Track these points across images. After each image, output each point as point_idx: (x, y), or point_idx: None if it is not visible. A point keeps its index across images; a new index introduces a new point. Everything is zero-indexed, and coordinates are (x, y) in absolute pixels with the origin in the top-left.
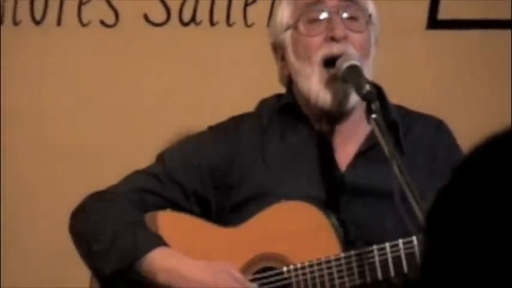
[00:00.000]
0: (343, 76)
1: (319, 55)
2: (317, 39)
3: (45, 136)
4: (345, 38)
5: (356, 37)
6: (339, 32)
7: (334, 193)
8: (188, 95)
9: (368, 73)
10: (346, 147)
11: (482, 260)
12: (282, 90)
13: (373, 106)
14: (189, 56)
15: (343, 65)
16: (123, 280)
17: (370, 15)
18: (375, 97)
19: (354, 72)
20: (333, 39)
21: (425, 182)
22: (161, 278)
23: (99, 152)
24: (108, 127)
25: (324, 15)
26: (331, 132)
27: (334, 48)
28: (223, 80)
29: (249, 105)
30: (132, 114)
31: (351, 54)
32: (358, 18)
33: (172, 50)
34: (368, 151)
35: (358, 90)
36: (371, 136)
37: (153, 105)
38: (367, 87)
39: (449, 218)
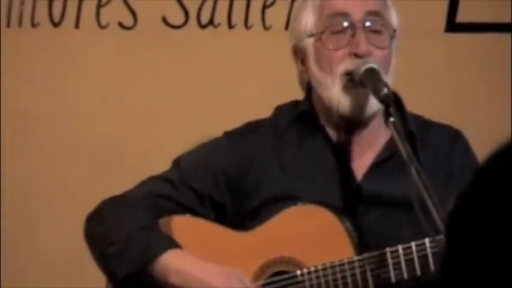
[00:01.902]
0: (360, 79)
1: (341, 68)
2: (340, 53)
3: (63, 138)
4: (368, 54)
5: (379, 53)
6: (363, 49)
7: (350, 202)
8: (206, 98)
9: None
10: (363, 157)
11: (503, 264)
12: (299, 93)
13: (391, 109)
14: (207, 59)
15: (361, 67)
16: (137, 283)
17: (394, 31)
18: (393, 100)
19: (372, 75)
20: (356, 55)
21: (442, 193)
22: (173, 279)
23: (117, 154)
24: (126, 129)
25: (348, 29)
26: (349, 141)
27: (356, 64)
28: (240, 83)
29: (266, 108)
30: (150, 117)
31: (368, 59)
32: (382, 32)
33: (190, 53)
34: (385, 161)
35: (376, 93)
36: (389, 145)
37: (170, 108)
38: (385, 90)
39: (470, 222)
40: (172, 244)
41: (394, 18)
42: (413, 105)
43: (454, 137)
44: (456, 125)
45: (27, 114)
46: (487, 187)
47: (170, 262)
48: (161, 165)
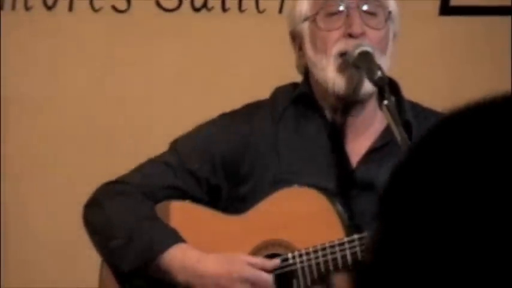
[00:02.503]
0: (354, 62)
1: (335, 49)
2: (334, 34)
3: (57, 121)
4: (362, 34)
5: (373, 34)
6: (357, 28)
7: (343, 186)
8: (199, 81)
9: (385, 68)
10: (358, 142)
11: (437, 241)
12: (292, 76)
13: (385, 92)
14: (200, 42)
15: (355, 51)
16: (140, 276)
17: (389, 12)
18: (387, 83)
19: (366, 58)
20: (350, 35)
21: None
22: (179, 275)
23: (112, 137)
24: (119, 113)
25: (343, 10)
26: (345, 125)
27: (351, 45)
28: (234, 66)
29: (260, 91)
30: (145, 100)
31: (363, 42)
32: (378, 14)
33: (184, 36)
34: (381, 147)
35: (370, 76)
36: (385, 133)
37: (164, 91)
38: (379, 73)
39: (403, 198)
40: (177, 239)
41: (390, 1)
42: (407, 90)
43: None
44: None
45: (21, 98)
46: (421, 161)
47: (175, 258)
48: (156, 148)
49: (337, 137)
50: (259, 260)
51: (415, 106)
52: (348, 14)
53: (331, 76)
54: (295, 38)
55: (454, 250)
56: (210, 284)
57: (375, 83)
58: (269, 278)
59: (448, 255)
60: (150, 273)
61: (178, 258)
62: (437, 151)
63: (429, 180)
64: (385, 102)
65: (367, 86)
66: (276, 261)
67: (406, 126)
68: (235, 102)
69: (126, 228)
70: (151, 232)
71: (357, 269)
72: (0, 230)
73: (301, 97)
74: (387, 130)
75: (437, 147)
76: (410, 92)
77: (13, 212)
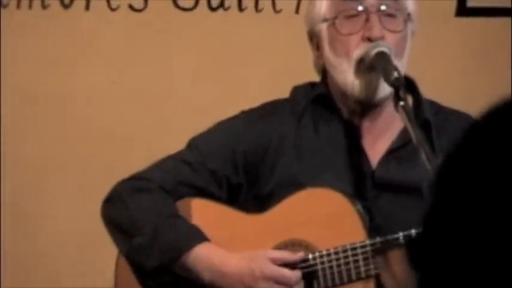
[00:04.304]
0: (371, 62)
1: (356, 53)
2: (354, 38)
3: (73, 120)
4: (381, 38)
5: (392, 36)
6: (376, 33)
7: (363, 188)
8: (215, 81)
9: (402, 70)
10: (377, 144)
11: (488, 218)
12: (309, 76)
13: (401, 93)
14: (217, 42)
15: (371, 51)
16: (163, 274)
17: (408, 14)
18: (403, 84)
19: (382, 58)
20: (369, 39)
21: None
22: (205, 275)
23: (126, 136)
24: (135, 112)
25: (361, 10)
26: (364, 127)
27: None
28: (250, 66)
29: (276, 91)
30: (160, 99)
31: (379, 42)
32: (397, 16)
33: (201, 35)
34: (400, 148)
35: (386, 77)
36: (404, 133)
37: (180, 91)
38: (395, 73)
39: (458, 176)
40: (202, 237)
41: (409, 1)
42: (424, 90)
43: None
44: (467, 109)
45: (38, 97)
46: (479, 143)
47: (200, 257)
48: (173, 147)
49: (355, 138)
50: (279, 254)
51: (433, 104)
52: (367, 17)
53: (350, 80)
54: (313, 37)
55: (502, 226)
56: (234, 283)
57: (391, 83)
58: (292, 274)
59: (495, 229)
60: (174, 271)
61: (203, 256)
62: (495, 134)
63: (484, 159)
64: (401, 103)
65: (385, 89)
66: (299, 254)
67: (425, 125)
68: (251, 101)
69: (150, 225)
70: (176, 230)
71: (408, 242)
72: (1, 227)
73: (319, 98)
74: (406, 131)
75: (495, 129)
76: (426, 92)
77: (16, 213)
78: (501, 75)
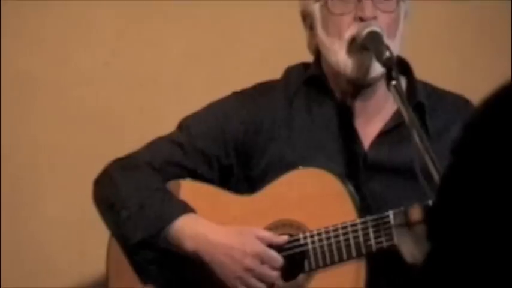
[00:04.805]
0: (363, 42)
1: (348, 34)
2: (346, 18)
3: (65, 101)
4: (374, 18)
5: (385, 17)
6: (368, 12)
7: (355, 169)
8: (208, 62)
9: (395, 50)
10: (370, 125)
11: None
12: (302, 56)
13: (393, 73)
14: (209, 23)
15: (363, 31)
16: (150, 248)
17: None
18: (395, 63)
19: (374, 38)
20: (361, 19)
21: None
22: (189, 244)
23: (119, 118)
24: (128, 93)
25: None
26: (356, 108)
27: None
28: (243, 47)
29: (268, 73)
30: (152, 80)
31: (371, 22)
32: None
33: (193, 17)
34: (392, 130)
35: (378, 57)
36: (396, 116)
37: (173, 71)
38: (387, 53)
39: (479, 145)
40: (187, 209)
41: None
42: (415, 71)
43: (463, 107)
44: (461, 90)
45: (29, 78)
46: (497, 115)
47: (185, 227)
48: (164, 129)
49: (348, 120)
50: (267, 234)
51: (427, 87)
52: None
53: (342, 59)
54: (306, 17)
55: None
56: (220, 253)
57: (383, 63)
58: (278, 257)
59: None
60: (160, 244)
61: (189, 226)
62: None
63: (503, 132)
64: (393, 82)
65: (377, 69)
66: (284, 237)
67: (419, 107)
68: (243, 83)
69: (136, 200)
70: (163, 202)
71: (428, 210)
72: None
73: (312, 79)
74: (399, 113)
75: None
76: (420, 73)
77: (11, 193)
78: (495, 56)
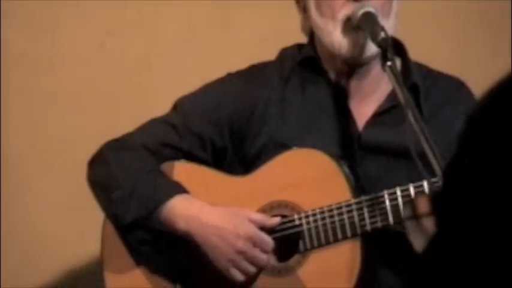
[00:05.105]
0: (358, 23)
1: (342, 14)
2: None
3: (60, 82)
4: None
5: None
6: None
7: (349, 150)
8: (205, 40)
9: (389, 30)
10: (364, 105)
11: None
12: (299, 37)
13: (389, 53)
14: (205, 3)
15: (358, 12)
16: (143, 228)
17: None
18: (390, 44)
19: (369, 19)
20: (355, 0)
21: (445, 141)
22: (181, 224)
23: (115, 98)
24: (123, 74)
25: None
26: (351, 88)
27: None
28: (238, 28)
29: (264, 53)
30: (148, 61)
31: (366, 2)
32: None
33: None
34: (387, 111)
35: (373, 37)
36: (391, 96)
37: (169, 51)
38: (382, 34)
39: (483, 136)
40: (180, 189)
41: None
42: (414, 55)
43: (458, 89)
44: (457, 72)
45: (24, 58)
46: (499, 108)
47: (177, 207)
48: (158, 110)
49: (343, 100)
50: (259, 217)
51: (422, 68)
52: None
53: (337, 39)
54: (300, 0)
55: None
56: (213, 235)
57: (378, 44)
58: (270, 240)
59: None
60: (152, 223)
61: (181, 206)
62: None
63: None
64: (388, 63)
65: (372, 48)
66: (277, 219)
67: (414, 89)
68: (238, 64)
69: (129, 180)
70: (155, 183)
71: (433, 195)
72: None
73: (306, 60)
74: (393, 94)
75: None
76: (414, 54)
77: (11, 173)
78: (488, 39)
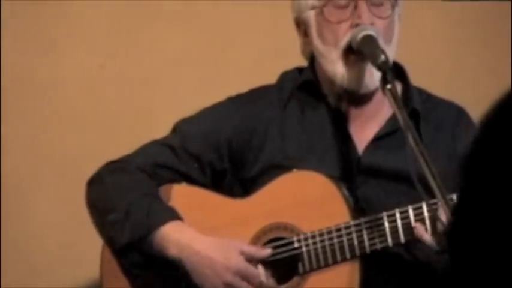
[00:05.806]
0: (358, 46)
1: (345, 41)
2: (343, 26)
3: (60, 103)
4: (371, 25)
5: (381, 23)
6: (365, 19)
7: (349, 173)
8: (204, 63)
9: (391, 55)
10: (365, 130)
11: None
12: (298, 59)
13: (388, 76)
14: (205, 23)
15: (358, 35)
16: (136, 251)
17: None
18: (390, 67)
19: (369, 42)
20: (358, 26)
21: (445, 167)
22: (173, 251)
23: (114, 120)
24: (123, 95)
25: (351, 2)
26: (351, 113)
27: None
28: (238, 48)
29: (264, 74)
30: (148, 83)
31: (366, 26)
32: (383, 3)
33: (188, 18)
34: (388, 135)
35: (374, 60)
36: (391, 121)
37: (168, 74)
38: (382, 57)
39: (487, 164)
40: (174, 216)
41: None
42: (411, 76)
43: (458, 115)
44: (453, 94)
45: (25, 79)
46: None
47: (170, 234)
48: (159, 131)
49: (343, 124)
50: (251, 249)
51: (422, 92)
52: (355, 5)
53: (340, 71)
54: (300, 24)
55: None
56: (203, 264)
57: (378, 66)
58: (258, 273)
59: None
60: (145, 248)
61: (173, 233)
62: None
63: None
64: (388, 86)
65: (375, 81)
66: (268, 251)
67: (414, 114)
68: (239, 85)
69: (124, 203)
70: (149, 208)
71: (446, 232)
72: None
73: (305, 84)
74: (394, 118)
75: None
76: (414, 77)
77: (11, 193)
78: (486, 58)
